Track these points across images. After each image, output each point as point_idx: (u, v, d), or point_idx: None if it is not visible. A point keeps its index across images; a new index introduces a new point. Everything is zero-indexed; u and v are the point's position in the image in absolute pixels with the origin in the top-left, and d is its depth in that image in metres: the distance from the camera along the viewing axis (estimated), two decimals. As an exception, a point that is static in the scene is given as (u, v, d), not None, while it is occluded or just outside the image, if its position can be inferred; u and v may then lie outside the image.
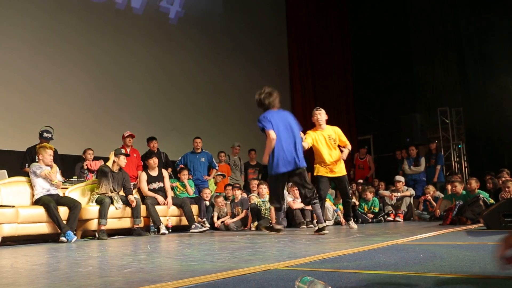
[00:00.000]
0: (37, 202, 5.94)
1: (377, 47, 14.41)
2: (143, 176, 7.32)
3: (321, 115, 6.44)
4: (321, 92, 14.05)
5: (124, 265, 2.85)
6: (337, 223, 8.06)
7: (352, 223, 6.53)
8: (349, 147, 6.46)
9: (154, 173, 7.41)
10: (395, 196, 9.10)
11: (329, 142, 6.35)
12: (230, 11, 12.44)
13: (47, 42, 8.66)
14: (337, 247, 3.60)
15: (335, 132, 6.43)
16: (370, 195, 8.93)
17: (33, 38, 8.51)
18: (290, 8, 14.00)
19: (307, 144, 6.11)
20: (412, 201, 9.12)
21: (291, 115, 5.87)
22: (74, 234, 5.71)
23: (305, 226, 7.46)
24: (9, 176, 6.45)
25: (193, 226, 7.09)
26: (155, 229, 6.79)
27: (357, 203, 8.93)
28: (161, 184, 7.36)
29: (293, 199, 7.88)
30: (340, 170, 6.36)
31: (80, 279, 2.31)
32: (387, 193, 9.32)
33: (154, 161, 7.42)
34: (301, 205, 7.75)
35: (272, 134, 5.39)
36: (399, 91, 14.00)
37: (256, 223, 7.40)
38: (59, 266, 3.01)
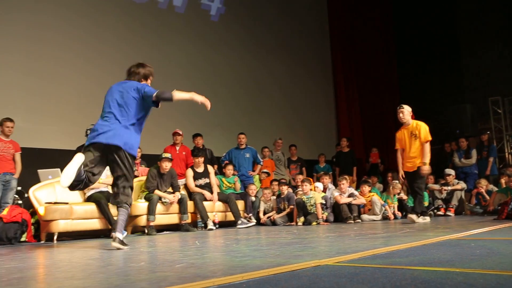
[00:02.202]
0: (89, 199, 6.16)
1: (422, 37, 13.99)
2: (189, 173, 7.45)
3: (403, 113, 6.60)
4: (365, 85, 13.81)
5: (175, 260, 2.89)
6: (384, 217, 7.90)
7: (417, 217, 6.44)
8: (427, 147, 6.44)
9: (200, 169, 7.52)
10: (445, 190, 8.83)
11: (410, 138, 6.54)
12: (271, 6, 12.40)
13: (90, 46, 8.92)
14: (387, 243, 3.52)
15: (418, 128, 6.53)
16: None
17: (78, 43, 8.79)
18: (331, 1, 13.81)
19: (398, 149, 6.68)
20: (463, 195, 8.83)
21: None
22: (125, 230, 5.87)
23: (352, 221, 7.36)
24: (62, 174, 6.69)
25: (239, 221, 7.15)
26: (203, 225, 6.88)
27: (405, 197, 8.72)
28: (207, 180, 7.47)
29: (339, 194, 7.79)
30: (415, 165, 6.45)
31: (134, 274, 2.37)
32: (436, 186, 9.06)
33: (198, 159, 7.53)
34: (348, 200, 7.66)
35: None
36: (446, 81, 13.54)
37: (302, 219, 7.37)
38: (112, 261, 3.10)
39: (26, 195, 6.68)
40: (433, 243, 3.40)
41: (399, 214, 8.12)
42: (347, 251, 3.03)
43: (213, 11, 11.24)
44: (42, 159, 7.63)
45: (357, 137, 13.18)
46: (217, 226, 7.01)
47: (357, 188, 8.57)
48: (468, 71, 13.32)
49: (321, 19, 13.68)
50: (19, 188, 6.72)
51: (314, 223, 7.23)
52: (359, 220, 7.49)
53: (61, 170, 6.78)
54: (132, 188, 4.21)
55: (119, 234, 3.97)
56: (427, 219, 6.59)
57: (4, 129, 6.43)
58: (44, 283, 2.22)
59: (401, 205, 8.35)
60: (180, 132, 8.18)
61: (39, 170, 6.82)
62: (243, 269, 2.32)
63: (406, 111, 6.58)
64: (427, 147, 6.41)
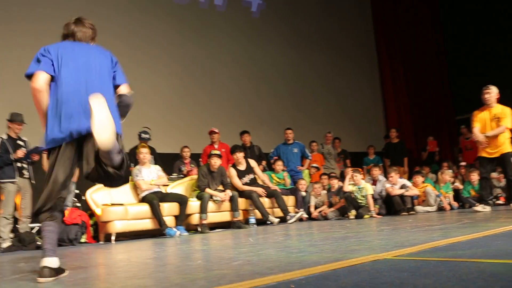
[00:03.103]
0: (143, 199, 6.31)
1: (473, 21, 13.42)
2: (233, 172, 7.35)
3: (489, 93, 6.37)
4: (413, 74, 13.42)
5: (231, 257, 2.92)
6: (440, 208, 7.67)
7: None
8: (502, 128, 6.20)
9: (242, 167, 7.44)
10: (504, 178, 8.44)
11: (491, 120, 6.30)
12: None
13: (138, 47, 9.15)
14: (446, 235, 3.41)
15: (503, 113, 6.28)
16: (475, 177, 8.35)
17: (123, 44, 9.00)
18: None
19: (476, 129, 6.30)
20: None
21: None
22: (182, 227, 6.04)
23: (406, 213, 7.19)
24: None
25: (288, 216, 7.10)
26: (269, 222, 6.89)
27: (460, 186, 8.43)
28: (251, 176, 7.43)
29: (391, 185, 7.62)
30: (501, 150, 6.21)
31: (193, 272, 2.40)
32: (495, 175, 8.67)
33: (237, 156, 7.37)
34: (400, 191, 7.48)
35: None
36: (500, 65, 12.94)
37: (353, 212, 7.26)
38: (170, 260, 3.16)
39: (83, 198, 6.93)
40: (496, 234, 3.26)
41: (455, 204, 7.85)
42: (404, 244, 2.96)
43: (254, 8, 11.26)
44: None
45: (406, 127, 12.85)
46: (278, 220, 6.98)
47: (409, 179, 8.36)
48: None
49: (364, 8, 13.41)
50: (77, 191, 6.97)
51: (367, 216, 7.11)
52: (413, 212, 7.31)
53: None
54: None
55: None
56: (487, 208, 6.34)
57: (61, 135, 6.66)
58: (108, 283, 2.29)
59: (457, 195, 8.08)
60: (216, 130, 8.20)
61: (94, 173, 7.04)
62: (300, 265, 2.30)
63: (493, 92, 6.33)
64: (508, 133, 6.20)
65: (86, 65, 2.76)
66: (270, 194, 7.35)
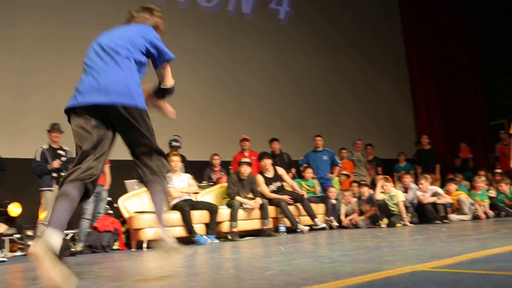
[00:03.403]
0: (173, 207, 6.36)
1: (507, 19, 13.07)
2: (261, 179, 7.30)
3: None
4: (444, 79, 13.16)
5: (264, 267, 2.90)
6: (474, 217, 7.47)
7: None
8: None
9: (270, 174, 7.40)
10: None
11: None
12: (339, 5, 12.22)
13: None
14: (484, 245, 3.31)
15: None
16: (505, 187, 8.06)
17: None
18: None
19: None
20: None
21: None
22: (212, 236, 6.06)
23: (439, 222, 7.02)
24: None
25: (317, 219, 7.04)
26: (299, 230, 6.86)
27: (493, 194, 8.18)
28: (278, 184, 7.38)
29: (422, 193, 7.47)
30: None
31: (227, 282, 2.40)
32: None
33: (265, 162, 7.33)
34: (432, 199, 7.32)
35: None
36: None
37: (385, 220, 7.15)
38: (202, 269, 3.17)
39: (115, 205, 7.05)
40: (538, 245, 3.15)
41: (491, 213, 7.63)
42: (441, 255, 2.88)
43: (282, 15, 11.29)
44: (128, 170, 7.99)
45: (438, 133, 12.59)
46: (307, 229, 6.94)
47: (441, 187, 8.19)
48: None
49: (393, 14, 13.27)
50: (109, 198, 7.09)
51: (399, 224, 6.98)
52: (447, 221, 7.14)
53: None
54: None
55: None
56: None
57: (94, 144, 6.81)
58: (143, 292, 2.30)
59: (493, 204, 7.85)
60: (248, 138, 8.22)
61: (126, 181, 7.16)
62: (334, 276, 2.27)
63: None
64: None
65: None
66: (296, 199, 7.24)
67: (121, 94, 2.52)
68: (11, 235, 6.58)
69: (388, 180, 7.59)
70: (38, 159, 6.31)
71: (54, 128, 6.42)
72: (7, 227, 6.11)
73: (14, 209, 6.77)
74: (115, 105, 2.51)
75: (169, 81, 2.83)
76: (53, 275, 2.12)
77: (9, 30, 7.84)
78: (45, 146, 6.41)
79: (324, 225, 7.07)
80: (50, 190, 6.26)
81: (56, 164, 6.21)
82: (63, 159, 6.35)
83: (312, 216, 7.09)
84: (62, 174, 6.29)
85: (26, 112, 7.66)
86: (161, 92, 2.85)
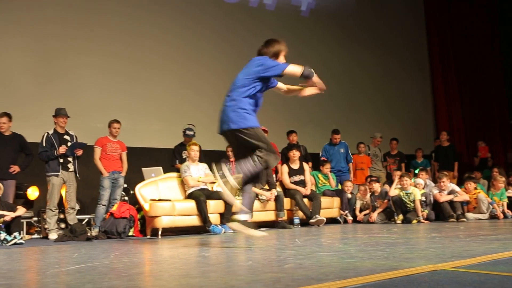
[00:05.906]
0: (189, 196, 6.39)
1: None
2: (285, 169, 7.41)
3: None
4: (466, 76, 12.92)
5: (282, 260, 2.89)
6: (492, 216, 7.37)
7: None
8: None
9: (295, 166, 7.46)
10: None
11: None
12: (362, -1, 12.08)
13: (191, 44, 9.34)
14: (506, 246, 3.26)
15: None
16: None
17: (178, 40, 9.22)
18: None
19: None
20: None
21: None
22: (227, 226, 6.06)
23: (455, 220, 6.95)
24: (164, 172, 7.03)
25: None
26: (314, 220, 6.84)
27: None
28: (302, 177, 7.40)
29: (439, 191, 7.39)
30: None
31: (245, 274, 2.39)
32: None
33: (294, 153, 7.45)
34: (448, 198, 7.24)
35: None
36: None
37: (401, 216, 7.09)
38: (220, 259, 3.17)
39: (131, 192, 7.09)
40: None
41: (509, 212, 7.51)
42: (462, 254, 2.84)
43: (304, 7, 11.18)
44: (145, 157, 8.06)
45: (458, 130, 12.42)
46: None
47: (459, 184, 8.09)
48: None
49: (416, 8, 13.06)
50: (125, 185, 7.13)
51: (414, 221, 6.92)
52: (464, 219, 7.05)
53: (163, 168, 7.16)
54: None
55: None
56: None
57: (112, 130, 6.85)
58: (163, 280, 2.31)
59: (511, 203, 7.73)
60: (267, 129, 8.18)
61: (143, 169, 7.21)
62: (356, 272, 2.25)
63: None
64: None
65: None
66: (310, 196, 7.25)
67: None
68: (30, 218, 6.67)
69: (409, 176, 7.53)
70: (44, 144, 6.30)
71: (60, 113, 6.42)
72: (26, 209, 6.19)
73: (33, 192, 6.84)
74: None
75: (298, 73, 4.23)
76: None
77: (32, 14, 7.89)
78: (50, 131, 6.42)
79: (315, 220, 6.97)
80: (57, 176, 6.29)
81: (62, 150, 6.24)
82: (69, 144, 6.37)
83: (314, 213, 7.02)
84: (68, 159, 6.34)
85: (48, 96, 7.72)
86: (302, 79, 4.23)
